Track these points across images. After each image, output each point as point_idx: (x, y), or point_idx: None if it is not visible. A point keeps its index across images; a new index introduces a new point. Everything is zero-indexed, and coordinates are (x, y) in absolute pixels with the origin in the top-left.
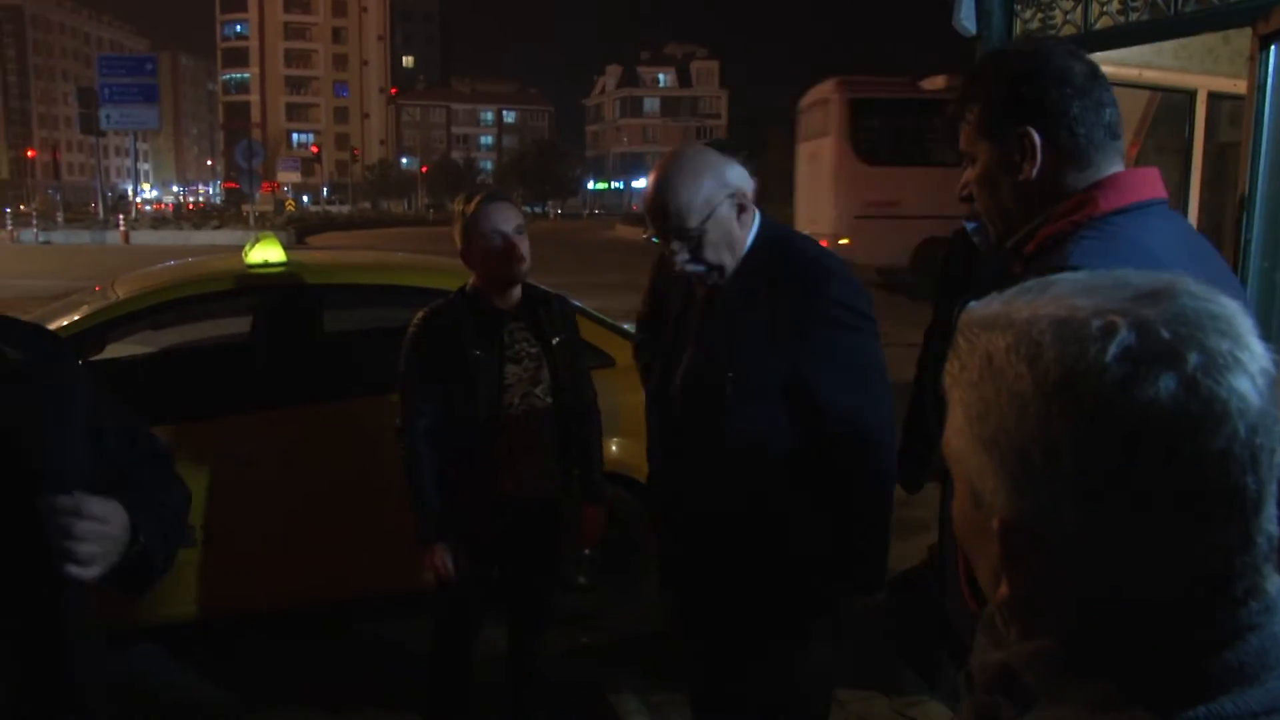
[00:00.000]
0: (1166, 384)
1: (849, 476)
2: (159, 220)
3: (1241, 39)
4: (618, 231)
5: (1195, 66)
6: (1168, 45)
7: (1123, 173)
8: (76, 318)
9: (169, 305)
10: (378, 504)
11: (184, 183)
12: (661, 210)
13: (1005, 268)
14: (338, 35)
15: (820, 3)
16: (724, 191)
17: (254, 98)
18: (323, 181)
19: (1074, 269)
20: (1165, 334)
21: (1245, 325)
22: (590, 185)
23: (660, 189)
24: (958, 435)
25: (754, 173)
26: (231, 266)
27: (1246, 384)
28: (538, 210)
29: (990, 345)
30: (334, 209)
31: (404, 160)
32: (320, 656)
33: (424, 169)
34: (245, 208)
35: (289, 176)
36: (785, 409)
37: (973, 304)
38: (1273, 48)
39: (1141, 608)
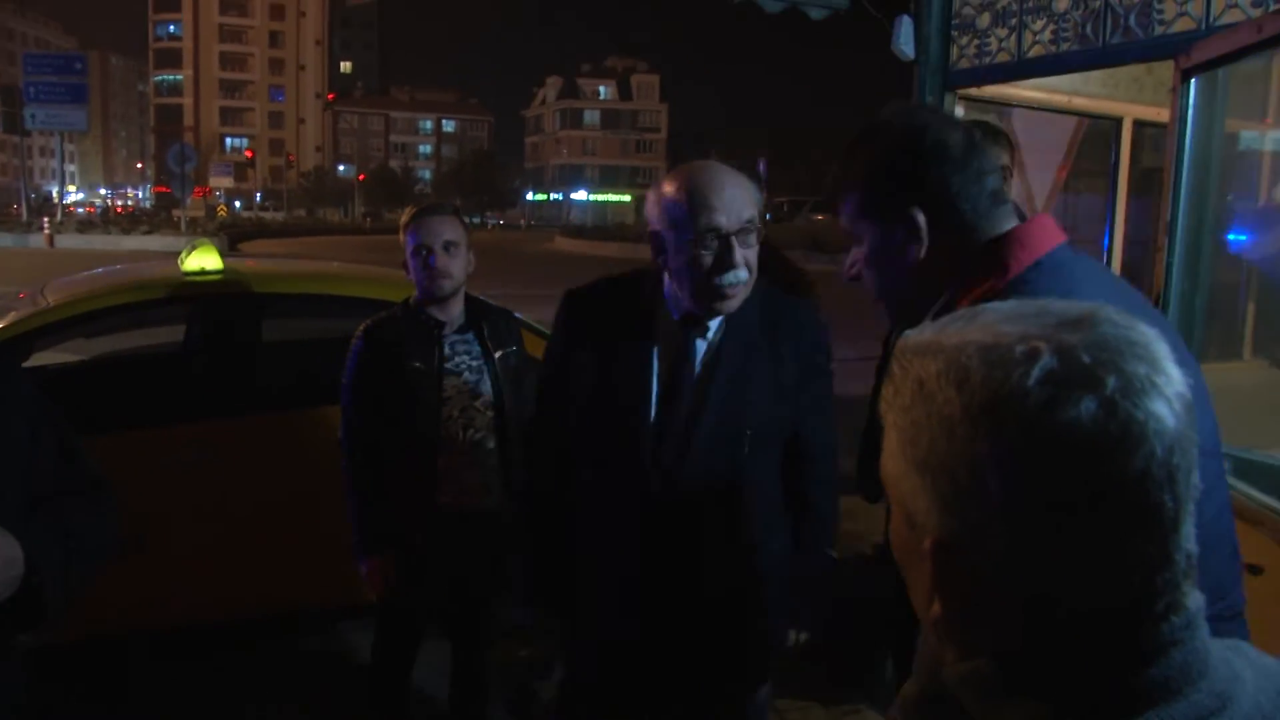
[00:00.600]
0: (1087, 406)
1: (820, 510)
2: (86, 224)
3: (1164, 70)
4: (557, 244)
5: (1121, 95)
6: (1095, 74)
7: (1021, 228)
8: (2, 325)
9: (103, 313)
10: (318, 516)
11: (111, 185)
12: (739, 199)
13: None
14: (274, 39)
15: (760, 23)
16: None
17: (187, 100)
18: (256, 187)
19: None
20: (1085, 359)
21: (1162, 351)
22: (529, 196)
23: (723, 182)
24: (891, 459)
25: None
26: (168, 274)
27: (1163, 407)
28: (476, 221)
29: (922, 371)
30: (268, 215)
31: (340, 168)
32: (258, 668)
33: (361, 177)
34: (176, 213)
35: (222, 181)
36: (779, 455)
37: (908, 332)
38: (1193, 81)
39: (1068, 627)
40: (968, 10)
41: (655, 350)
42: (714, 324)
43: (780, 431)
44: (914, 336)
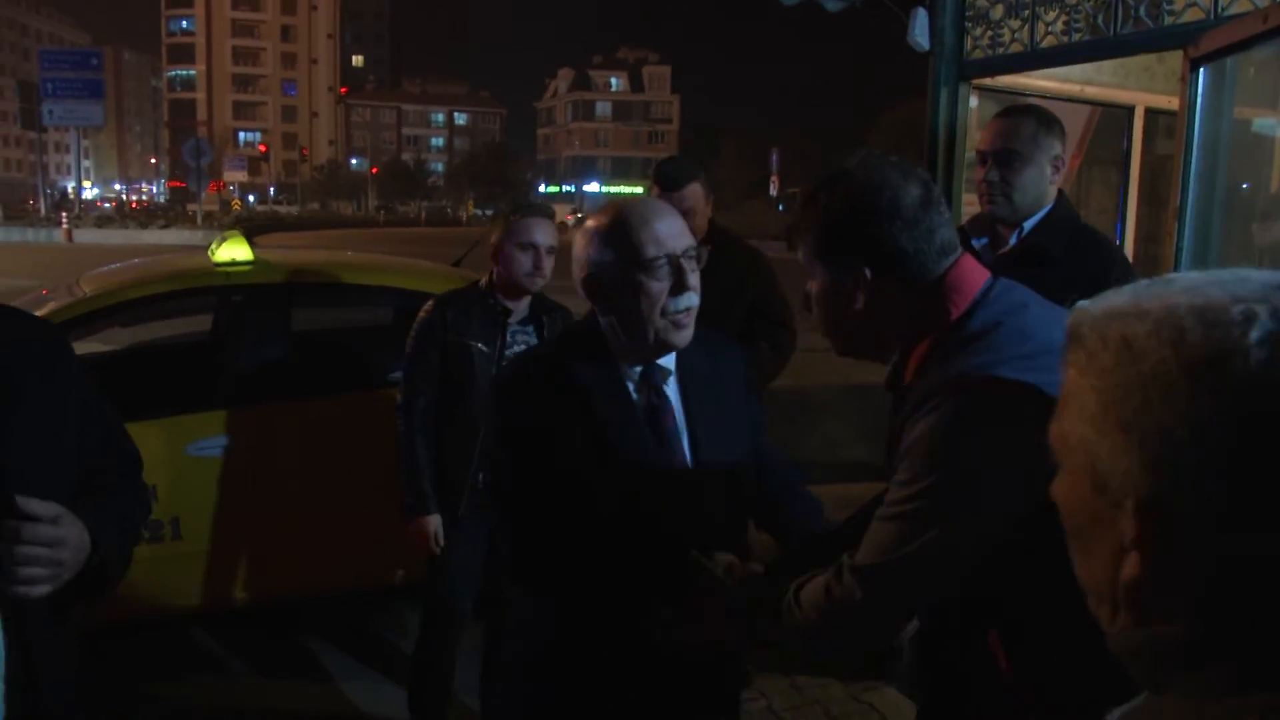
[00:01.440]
0: None
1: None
2: (103, 219)
3: (1175, 59)
4: (569, 235)
5: (1133, 84)
6: (1107, 64)
7: (950, 275)
8: (43, 313)
9: (139, 302)
10: (354, 501)
11: (126, 181)
12: (679, 227)
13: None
14: (286, 33)
15: (775, 15)
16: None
17: (200, 95)
18: (270, 181)
19: (984, 372)
20: None
21: None
22: (541, 188)
23: (662, 210)
24: (1082, 423)
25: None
26: (201, 264)
27: None
28: (490, 213)
29: (1126, 332)
30: (282, 209)
31: (353, 161)
32: (298, 651)
33: (374, 170)
34: (191, 207)
35: (235, 176)
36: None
37: (1082, 303)
38: (1201, 70)
39: (1265, 583)
40: (981, 2)
41: (636, 411)
42: (669, 365)
43: (746, 457)
44: (1100, 305)
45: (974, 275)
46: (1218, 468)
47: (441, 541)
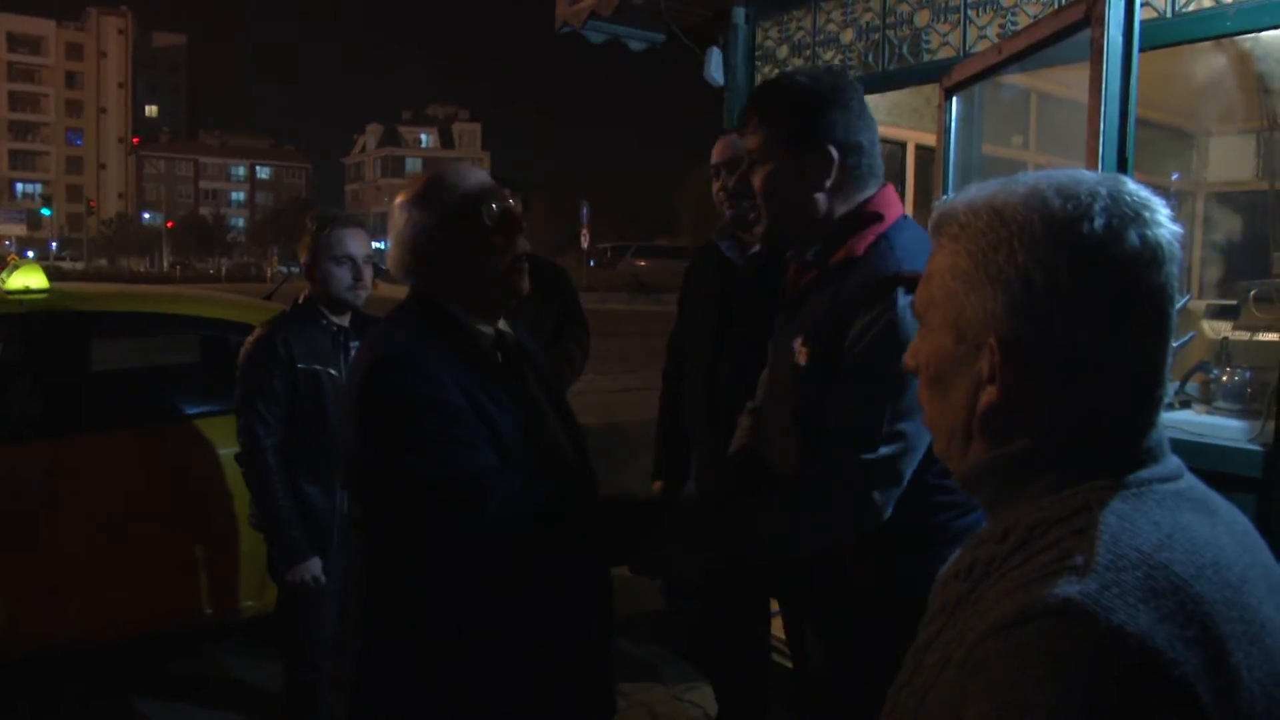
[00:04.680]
0: (1134, 231)
1: None
2: None
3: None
4: (380, 290)
5: (905, 123)
6: (882, 104)
7: (882, 194)
8: None
9: None
10: (154, 537)
11: None
12: None
13: (787, 275)
14: (72, 79)
15: (586, 69)
16: None
17: None
18: (52, 236)
19: (901, 266)
20: (1128, 198)
21: (1160, 203)
22: None
23: None
24: (958, 279)
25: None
26: None
27: (1172, 238)
28: (295, 269)
29: (996, 203)
30: (65, 265)
31: (146, 215)
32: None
33: (169, 225)
34: None
35: (12, 229)
36: None
37: (944, 197)
38: (954, 98)
39: (1099, 402)
40: (769, 43)
41: (507, 371)
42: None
43: None
44: (965, 194)
45: (896, 200)
46: (1065, 309)
47: (323, 582)
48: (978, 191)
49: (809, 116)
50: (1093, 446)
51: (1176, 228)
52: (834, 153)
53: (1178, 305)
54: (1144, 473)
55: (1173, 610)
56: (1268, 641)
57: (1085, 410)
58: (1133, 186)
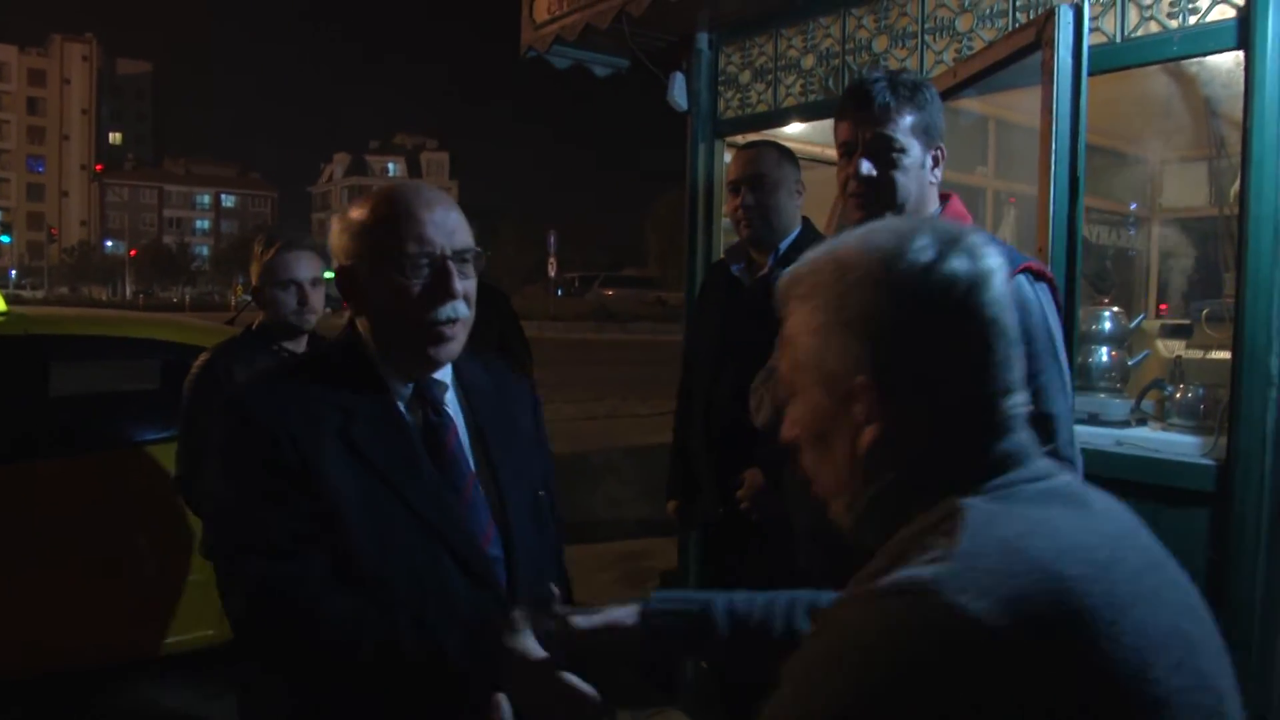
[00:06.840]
0: (959, 259)
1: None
2: None
3: None
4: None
5: None
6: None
7: (951, 204)
8: None
9: None
10: (91, 568)
11: None
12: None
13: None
14: (34, 105)
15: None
16: None
17: None
18: (11, 264)
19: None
20: (951, 233)
21: (981, 238)
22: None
23: (434, 199)
24: (813, 335)
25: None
26: None
27: (995, 265)
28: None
29: (838, 254)
30: (25, 294)
31: (109, 243)
32: None
33: (132, 253)
34: None
35: None
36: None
37: (785, 271)
38: None
39: (959, 415)
40: (731, 68)
41: (409, 431)
42: (445, 378)
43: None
44: (802, 260)
45: (963, 218)
46: (910, 335)
47: None
48: (814, 252)
49: (937, 113)
50: (954, 461)
51: (1000, 260)
52: (944, 150)
53: (1131, 325)
54: (1010, 475)
55: (1027, 586)
56: (1137, 611)
57: (942, 429)
58: (950, 225)
